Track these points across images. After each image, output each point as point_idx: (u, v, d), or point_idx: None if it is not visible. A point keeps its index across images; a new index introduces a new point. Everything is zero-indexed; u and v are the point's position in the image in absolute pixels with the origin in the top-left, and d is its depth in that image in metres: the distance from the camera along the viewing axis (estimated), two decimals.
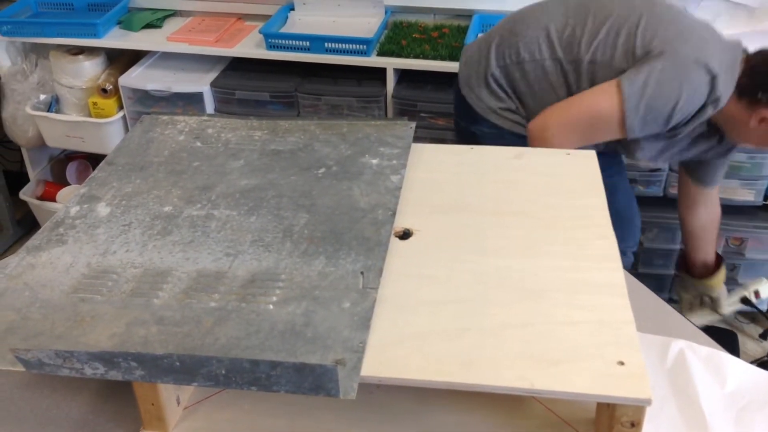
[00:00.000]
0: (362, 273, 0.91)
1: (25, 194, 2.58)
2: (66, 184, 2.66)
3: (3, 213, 2.74)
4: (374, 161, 1.15)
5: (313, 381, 0.74)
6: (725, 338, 2.08)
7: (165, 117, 1.35)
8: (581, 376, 0.80)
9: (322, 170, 1.14)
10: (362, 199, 1.06)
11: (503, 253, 1.00)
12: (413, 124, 1.26)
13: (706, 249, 1.94)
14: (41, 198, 2.59)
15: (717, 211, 1.89)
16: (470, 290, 0.93)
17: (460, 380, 0.80)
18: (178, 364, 0.75)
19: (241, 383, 0.75)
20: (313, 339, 0.81)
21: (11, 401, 0.97)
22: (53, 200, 2.57)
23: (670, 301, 1.92)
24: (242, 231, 1.00)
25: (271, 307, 0.86)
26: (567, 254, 0.99)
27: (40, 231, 1.05)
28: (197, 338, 0.81)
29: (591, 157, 1.20)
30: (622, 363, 0.81)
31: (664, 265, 2.23)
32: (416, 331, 0.86)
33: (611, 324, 0.87)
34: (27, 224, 2.82)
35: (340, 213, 1.03)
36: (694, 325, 1.18)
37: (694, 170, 1.82)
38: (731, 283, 2.21)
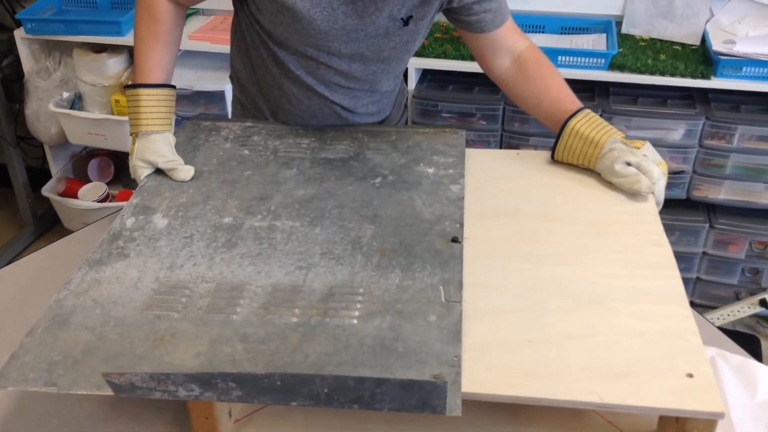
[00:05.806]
0: (442, 286, 0.91)
1: (47, 191, 2.58)
2: (88, 181, 2.66)
3: (25, 209, 2.74)
4: (430, 170, 1.16)
5: (420, 398, 0.73)
6: (747, 343, 2.05)
7: (207, 123, 1.33)
8: (651, 390, 0.79)
9: (379, 179, 1.14)
10: (425, 209, 1.06)
11: (557, 261, 0.99)
12: (463, 133, 1.26)
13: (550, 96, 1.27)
14: (63, 195, 2.59)
15: (526, 50, 1.31)
16: (527, 299, 0.92)
17: (526, 394, 0.79)
18: (279, 383, 0.74)
19: (343, 402, 0.75)
20: (405, 353, 0.80)
21: (96, 420, 0.97)
22: (75, 197, 2.57)
23: (692, 305, 1.88)
24: (309, 243, 1.01)
25: (355, 321, 0.86)
26: (622, 262, 0.98)
27: (98, 244, 1.02)
28: (286, 355, 0.81)
29: None
30: (691, 375, 0.81)
31: (686, 268, 2.18)
32: (476, 341, 0.85)
33: (676, 335, 0.86)
34: (48, 221, 2.82)
35: (406, 224, 1.03)
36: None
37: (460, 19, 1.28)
38: (755, 288, 2.18)
